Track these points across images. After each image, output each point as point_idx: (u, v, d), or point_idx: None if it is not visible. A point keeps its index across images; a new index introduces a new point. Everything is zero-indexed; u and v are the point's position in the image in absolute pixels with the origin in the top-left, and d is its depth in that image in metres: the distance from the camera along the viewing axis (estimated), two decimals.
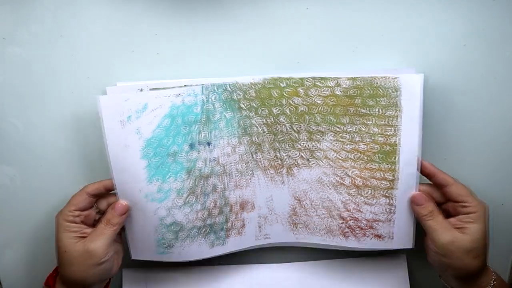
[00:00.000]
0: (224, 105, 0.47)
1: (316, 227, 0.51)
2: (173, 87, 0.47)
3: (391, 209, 0.48)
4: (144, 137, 0.46)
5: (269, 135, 0.48)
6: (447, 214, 0.47)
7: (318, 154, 0.49)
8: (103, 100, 0.45)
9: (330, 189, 0.49)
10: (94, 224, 0.48)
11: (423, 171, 0.47)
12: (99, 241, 0.44)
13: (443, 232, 0.45)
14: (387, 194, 0.48)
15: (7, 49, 0.48)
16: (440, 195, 0.48)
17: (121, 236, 0.49)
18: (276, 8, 0.48)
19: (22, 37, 0.48)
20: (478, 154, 0.52)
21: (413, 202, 0.47)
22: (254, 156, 0.49)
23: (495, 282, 0.46)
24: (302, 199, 0.50)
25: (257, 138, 0.48)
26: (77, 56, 0.48)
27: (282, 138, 0.48)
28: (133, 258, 0.50)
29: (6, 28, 0.48)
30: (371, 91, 0.46)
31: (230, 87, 0.47)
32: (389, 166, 0.47)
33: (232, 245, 0.51)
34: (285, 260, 0.55)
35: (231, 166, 0.49)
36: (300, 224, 0.51)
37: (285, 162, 0.49)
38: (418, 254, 0.51)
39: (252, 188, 0.50)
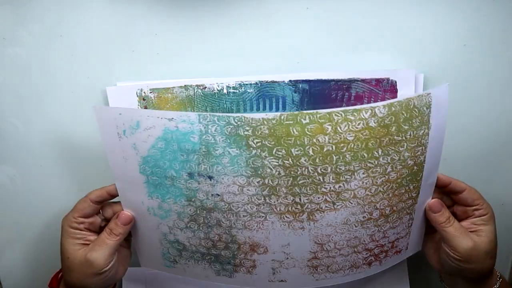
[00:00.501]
0: (228, 140, 0.41)
1: (338, 266, 0.47)
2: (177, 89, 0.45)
3: (410, 223, 0.46)
4: (141, 154, 0.43)
5: (286, 178, 0.41)
6: (456, 218, 0.46)
7: (346, 195, 0.42)
8: (98, 110, 0.42)
9: (357, 227, 0.44)
10: (100, 230, 0.46)
11: (437, 183, 0.46)
12: (100, 251, 0.43)
13: (464, 237, 0.44)
14: (409, 211, 0.45)
15: (7, 49, 0.48)
16: (448, 199, 0.47)
17: (129, 241, 0.49)
18: (276, 8, 0.48)
19: (22, 37, 0.48)
20: (478, 154, 0.52)
21: (430, 210, 0.45)
22: (267, 199, 0.42)
23: (500, 280, 0.46)
24: (324, 243, 0.45)
25: (271, 181, 0.42)
26: (77, 56, 0.48)
27: (303, 181, 0.41)
28: (142, 266, 0.50)
29: (6, 28, 0.48)
30: (407, 115, 0.41)
31: (235, 121, 0.40)
32: (415, 184, 0.44)
33: (241, 281, 0.48)
34: None
35: (238, 205, 0.43)
36: (321, 266, 0.46)
37: (306, 207, 0.43)
38: (418, 254, 0.51)
39: (264, 232, 0.44)
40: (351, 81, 0.48)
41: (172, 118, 0.41)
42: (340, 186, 0.42)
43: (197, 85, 0.48)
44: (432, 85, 0.49)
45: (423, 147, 0.43)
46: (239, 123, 0.40)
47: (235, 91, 0.48)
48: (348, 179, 0.42)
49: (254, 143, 0.40)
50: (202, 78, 0.48)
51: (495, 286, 0.46)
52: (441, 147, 0.44)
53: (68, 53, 0.48)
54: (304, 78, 0.48)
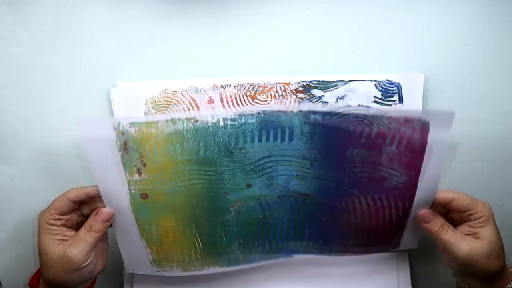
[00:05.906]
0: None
1: None
2: None
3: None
4: None
5: None
6: (454, 223, 0.46)
7: None
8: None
9: None
10: (77, 226, 0.46)
11: None
12: (79, 248, 0.43)
13: (459, 244, 0.43)
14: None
15: (7, 49, 0.48)
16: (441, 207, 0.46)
17: (106, 234, 0.48)
18: (276, 8, 0.48)
19: (22, 37, 0.48)
20: (478, 154, 0.52)
21: (421, 221, 0.45)
22: None
23: None
24: None
25: None
26: (77, 56, 0.48)
27: None
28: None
29: (6, 28, 0.48)
30: None
31: None
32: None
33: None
34: None
35: None
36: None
37: None
38: (420, 253, 0.51)
39: None
40: (374, 117, 0.42)
41: None
42: None
43: (186, 118, 0.42)
44: (433, 85, 0.49)
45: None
46: None
47: (233, 123, 0.43)
48: None
49: None
50: (202, 78, 0.48)
51: (508, 286, 0.45)
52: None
53: (68, 53, 0.48)
54: (317, 110, 0.43)
